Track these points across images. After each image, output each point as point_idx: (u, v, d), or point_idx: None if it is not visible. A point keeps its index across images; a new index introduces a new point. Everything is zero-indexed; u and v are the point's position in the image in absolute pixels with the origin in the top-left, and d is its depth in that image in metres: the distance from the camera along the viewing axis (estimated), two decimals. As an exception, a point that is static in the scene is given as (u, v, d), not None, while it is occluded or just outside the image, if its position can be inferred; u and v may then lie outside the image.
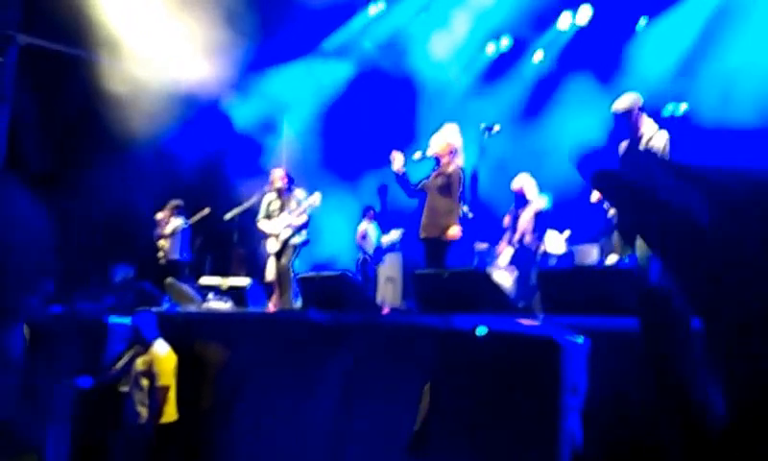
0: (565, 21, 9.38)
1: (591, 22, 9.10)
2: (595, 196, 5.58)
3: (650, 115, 4.94)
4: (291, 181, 7.42)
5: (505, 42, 10.00)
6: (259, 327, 5.07)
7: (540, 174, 7.44)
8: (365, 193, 10.02)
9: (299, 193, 7.33)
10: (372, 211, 9.51)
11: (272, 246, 7.27)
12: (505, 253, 7.48)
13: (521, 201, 7.31)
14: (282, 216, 7.24)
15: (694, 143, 6.11)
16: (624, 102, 4.92)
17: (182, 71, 9.18)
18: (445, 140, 5.85)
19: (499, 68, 10.06)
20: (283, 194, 7.34)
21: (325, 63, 10.24)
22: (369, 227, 9.39)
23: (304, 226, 7.23)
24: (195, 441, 4.95)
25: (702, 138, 6.36)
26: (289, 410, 4.31)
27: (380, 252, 9.10)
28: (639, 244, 4.75)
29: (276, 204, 7.34)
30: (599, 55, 8.74)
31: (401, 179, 5.91)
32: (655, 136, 4.82)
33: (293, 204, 7.26)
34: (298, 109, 10.51)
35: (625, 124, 4.86)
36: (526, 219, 7.23)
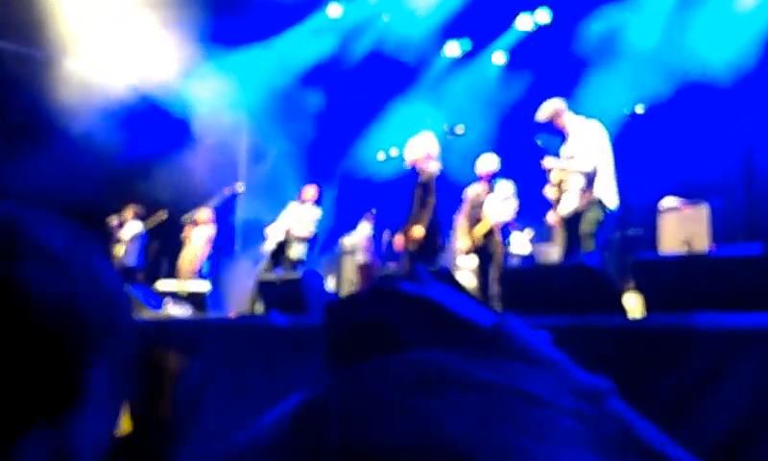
0: (525, 22, 9.44)
1: (551, 22, 9.19)
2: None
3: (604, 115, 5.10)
4: (318, 198, 7.72)
5: (461, 45, 10.03)
6: (220, 332, 4.92)
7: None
8: (333, 185, 9.84)
9: (317, 211, 7.61)
10: (372, 212, 9.19)
11: (268, 245, 7.44)
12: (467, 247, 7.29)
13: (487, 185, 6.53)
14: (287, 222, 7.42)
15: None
16: (545, 111, 5.21)
17: (134, 66, 8.96)
18: (422, 148, 5.83)
19: (460, 68, 10.08)
20: (305, 205, 7.59)
21: (285, 49, 10.03)
22: (366, 230, 9.09)
23: (308, 241, 7.41)
24: (152, 454, 4.76)
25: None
26: (253, 417, 4.19)
27: (384, 255, 8.82)
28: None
29: (293, 213, 7.56)
30: (558, 53, 8.82)
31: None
32: (582, 131, 5.04)
33: (305, 217, 7.49)
34: (257, 99, 10.25)
35: (551, 130, 5.18)
36: (501, 206, 6.38)
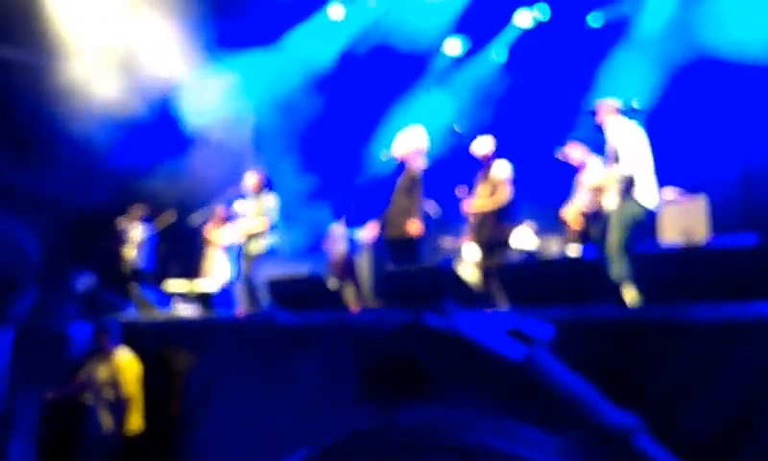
0: (524, 18, 9.49)
1: (550, 19, 9.23)
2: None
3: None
4: (264, 185, 7.12)
5: (460, 43, 10.08)
6: (228, 331, 5.02)
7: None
8: (335, 189, 9.90)
9: (265, 199, 7.07)
10: (345, 216, 9.30)
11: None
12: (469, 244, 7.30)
13: (485, 168, 6.21)
14: (242, 221, 7.15)
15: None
16: (599, 102, 5.33)
17: (138, 69, 9.04)
18: (411, 142, 5.93)
19: (462, 66, 10.13)
20: (255, 197, 7.12)
21: (289, 49, 10.08)
22: (339, 230, 9.22)
23: (267, 233, 6.97)
24: (163, 450, 4.87)
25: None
26: (260, 414, 4.28)
27: (350, 255, 8.90)
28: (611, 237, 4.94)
29: (250, 207, 7.16)
30: (556, 50, 8.86)
31: None
32: (621, 133, 5.10)
33: (257, 208, 7.06)
34: (262, 99, 10.29)
35: (592, 122, 5.29)
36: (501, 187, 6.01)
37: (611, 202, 5.14)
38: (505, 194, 5.97)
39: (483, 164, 6.17)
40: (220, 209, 7.94)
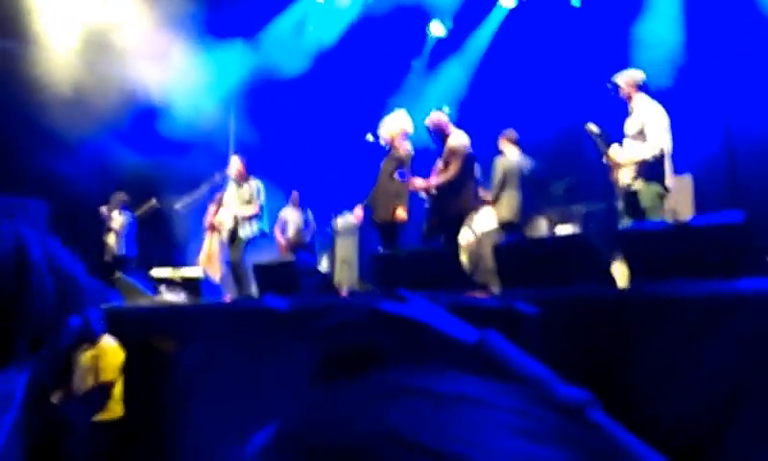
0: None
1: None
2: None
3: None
4: (248, 171, 7.20)
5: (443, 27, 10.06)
6: (215, 317, 4.98)
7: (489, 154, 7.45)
8: (315, 179, 9.85)
9: (253, 184, 7.15)
10: (296, 195, 9.02)
11: (224, 235, 7.22)
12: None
13: (439, 142, 5.89)
14: (230, 205, 7.16)
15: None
16: (620, 75, 5.23)
17: (114, 55, 8.93)
18: (397, 125, 5.94)
19: (446, 49, 10.11)
20: (239, 183, 7.19)
21: (270, 42, 10.00)
22: (291, 214, 9.03)
23: (257, 217, 7.06)
24: (147, 437, 4.82)
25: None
26: (248, 401, 4.25)
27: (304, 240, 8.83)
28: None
29: (233, 193, 7.21)
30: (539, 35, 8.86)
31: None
32: (648, 112, 5.04)
33: (245, 194, 7.10)
34: (242, 86, 10.18)
35: (617, 94, 5.22)
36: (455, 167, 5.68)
37: (624, 177, 5.08)
38: (454, 169, 5.62)
39: (441, 139, 5.84)
40: (220, 195, 7.83)
